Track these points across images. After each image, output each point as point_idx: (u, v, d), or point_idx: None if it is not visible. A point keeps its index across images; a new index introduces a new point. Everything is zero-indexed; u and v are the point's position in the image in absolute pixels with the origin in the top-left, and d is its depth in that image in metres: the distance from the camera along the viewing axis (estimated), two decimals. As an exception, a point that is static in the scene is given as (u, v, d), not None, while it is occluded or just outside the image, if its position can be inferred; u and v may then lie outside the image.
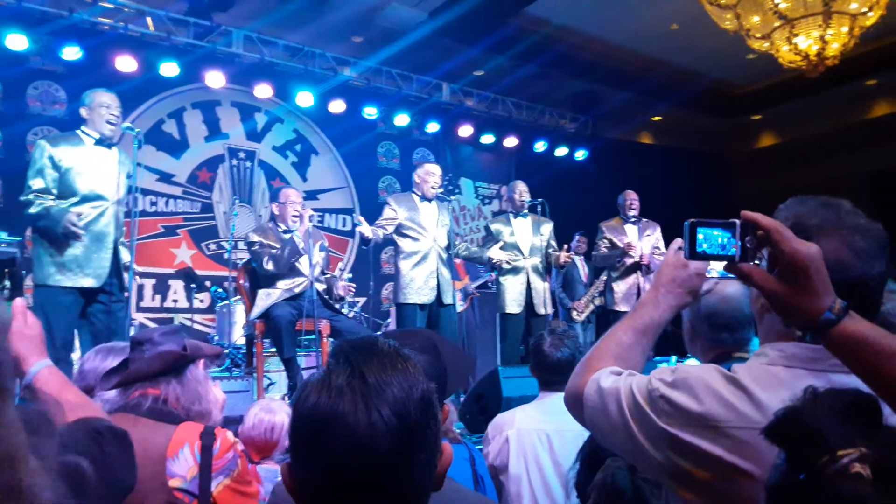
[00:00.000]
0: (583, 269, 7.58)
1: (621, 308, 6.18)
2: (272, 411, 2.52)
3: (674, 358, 3.96)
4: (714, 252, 0.98)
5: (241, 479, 1.57)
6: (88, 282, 3.84)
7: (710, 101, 10.00)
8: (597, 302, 7.28)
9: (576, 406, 1.27)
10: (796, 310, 0.93)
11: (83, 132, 4.01)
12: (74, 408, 1.30)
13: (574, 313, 7.26)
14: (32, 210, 3.79)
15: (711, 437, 1.01)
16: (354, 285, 5.00)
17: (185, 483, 1.49)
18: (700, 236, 0.99)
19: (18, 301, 1.39)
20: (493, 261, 5.44)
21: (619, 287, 6.27)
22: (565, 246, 5.89)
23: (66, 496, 1.07)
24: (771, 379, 1.03)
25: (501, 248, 5.59)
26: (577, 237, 7.60)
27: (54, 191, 3.84)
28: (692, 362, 3.27)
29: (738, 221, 0.97)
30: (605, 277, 6.98)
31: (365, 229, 4.76)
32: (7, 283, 1.41)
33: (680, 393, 1.06)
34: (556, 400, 1.32)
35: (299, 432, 0.86)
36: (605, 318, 6.59)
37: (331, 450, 0.81)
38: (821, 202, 1.08)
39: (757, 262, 0.98)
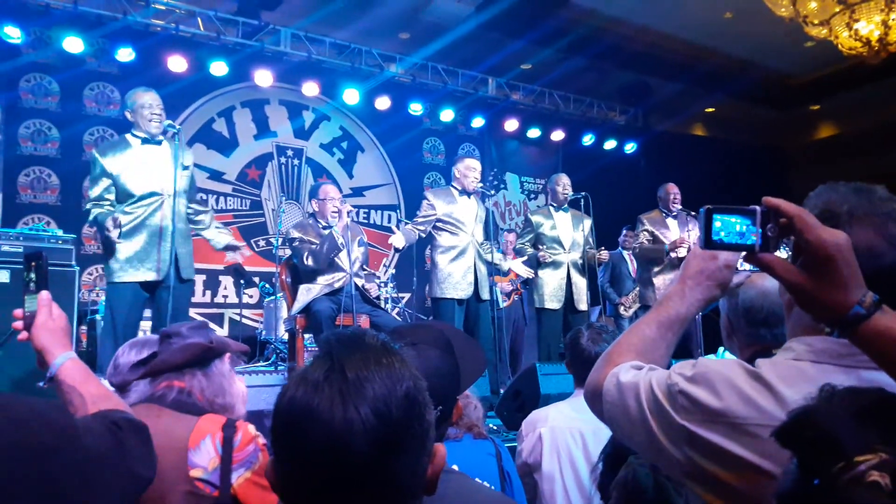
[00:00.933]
0: (631, 264, 7.44)
1: None
2: None
3: (721, 349, 3.82)
4: (732, 241, 0.90)
5: (263, 473, 1.57)
6: (149, 275, 3.98)
7: (766, 91, 9.69)
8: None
9: (595, 401, 1.22)
10: (823, 303, 0.86)
11: (132, 134, 4.14)
12: (97, 399, 1.32)
13: (622, 308, 7.13)
14: (90, 218, 4.03)
15: (731, 434, 0.95)
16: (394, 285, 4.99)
17: (207, 474, 1.50)
18: (717, 224, 0.91)
19: (44, 294, 1.42)
20: (539, 256, 5.45)
21: (660, 282, 6.08)
22: (602, 248, 5.80)
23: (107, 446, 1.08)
24: (796, 374, 0.96)
25: (540, 242, 5.57)
26: (624, 231, 7.47)
27: (110, 196, 4.01)
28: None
29: (758, 208, 0.90)
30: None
31: (397, 240, 4.83)
32: (33, 276, 1.43)
33: (699, 388, 1.00)
34: (593, 396, 1.27)
35: (276, 426, 0.83)
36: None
37: (306, 446, 0.78)
38: (853, 188, 1.01)
39: (780, 252, 0.91)
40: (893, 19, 6.19)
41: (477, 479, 1.55)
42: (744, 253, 0.92)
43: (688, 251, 5.89)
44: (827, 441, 0.63)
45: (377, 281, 5.09)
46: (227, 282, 7.71)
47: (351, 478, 0.78)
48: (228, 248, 4.53)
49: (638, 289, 6.79)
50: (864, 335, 0.84)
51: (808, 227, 0.86)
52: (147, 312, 4.34)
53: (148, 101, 4.10)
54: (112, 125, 7.13)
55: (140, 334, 4.10)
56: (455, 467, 1.71)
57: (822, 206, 0.95)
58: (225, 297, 7.74)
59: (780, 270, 0.89)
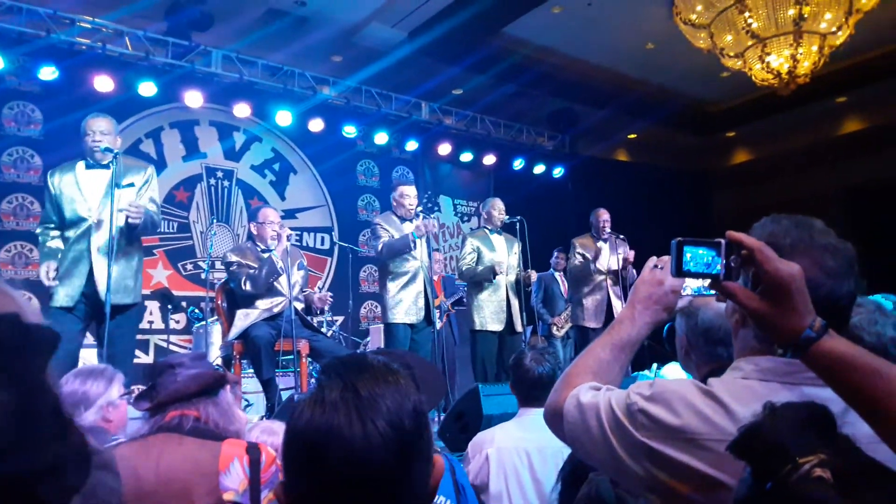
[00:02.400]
0: (563, 285, 7.63)
1: (590, 324, 6.22)
2: (274, 433, 2.51)
3: (654, 366, 3.99)
4: (699, 270, 1.00)
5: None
6: (66, 301, 3.89)
7: (686, 118, 10.16)
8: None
9: (555, 421, 1.28)
10: (778, 327, 0.96)
11: (82, 158, 4.09)
12: None
13: (554, 329, 7.28)
14: (40, 241, 4.12)
15: (689, 449, 1.03)
16: (331, 294, 4.98)
17: (238, 496, 1.55)
18: (687, 255, 1.01)
19: None
20: (493, 267, 5.55)
21: (589, 303, 6.32)
22: (530, 269, 5.96)
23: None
24: (746, 392, 1.05)
25: (480, 264, 5.67)
26: (556, 253, 7.65)
27: (55, 217, 4.03)
28: (670, 369, 3.29)
29: (722, 241, 0.99)
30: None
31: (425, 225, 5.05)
32: None
33: (658, 406, 1.08)
34: (536, 416, 1.33)
35: (294, 449, 0.86)
36: (577, 334, 6.63)
37: (327, 464, 0.82)
38: (794, 222, 1.10)
39: (740, 280, 1.00)
40: (801, 53, 6.61)
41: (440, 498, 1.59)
42: (708, 281, 1.02)
43: (619, 260, 6.14)
44: (774, 449, 0.73)
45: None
46: (152, 306, 7.48)
47: (371, 487, 0.83)
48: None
49: (569, 309, 6.98)
50: (814, 356, 0.94)
51: (766, 259, 0.95)
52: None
53: (92, 127, 4.03)
54: (31, 145, 6.87)
55: (81, 363, 3.96)
56: None
57: (766, 238, 1.04)
58: (150, 322, 7.50)
59: (742, 297, 0.98)
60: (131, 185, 4.09)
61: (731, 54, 6.90)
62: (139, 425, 1.70)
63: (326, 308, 5.02)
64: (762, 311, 0.96)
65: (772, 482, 0.71)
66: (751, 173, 11.08)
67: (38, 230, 4.12)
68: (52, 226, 4.04)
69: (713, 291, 1.15)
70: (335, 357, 0.94)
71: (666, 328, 1.90)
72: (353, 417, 0.83)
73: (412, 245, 5.01)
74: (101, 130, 4.04)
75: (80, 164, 4.08)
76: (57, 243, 4.03)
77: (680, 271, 1.01)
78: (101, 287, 3.88)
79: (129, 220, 3.96)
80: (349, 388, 0.85)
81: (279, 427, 2.54)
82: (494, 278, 5.59)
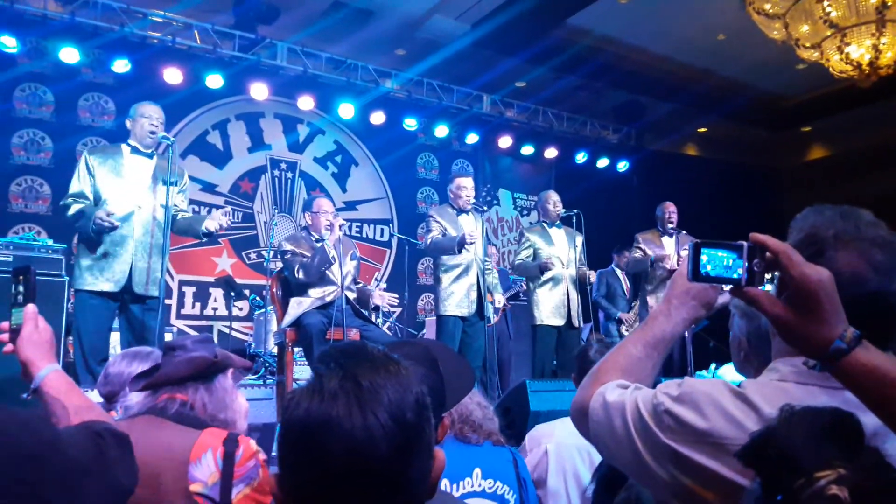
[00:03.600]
0: (625, 283, 7.47)
1: None
2: None
3: (713, 366, 3.85)
4: (718, 274, 0.93)
5: (262, 490, 1.57)
6: (107, 286, 3.91)
7: (758, 112, 9.77)
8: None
9: (581, 420, 1.22)
10: (805, 338, 0.88)
11: (127, 143, 4.15)
12: (80, 411, 1.33)
13: (623, 327, 7.15)
14: (70, 213, 3.96)
15: (716, 454, 0.96)
16: (396, 296, 4.99)
17: (206, 489, 1.50)
18: (704, 258, 0.93)
19: (30, 307, 1.45)
20: (544, 263, 5.46)
21: (652, 301, 6.14)
22: (589, 271, 5.84)
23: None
24: (781, 395, 0.97)
25: (538, 259, 5.59)
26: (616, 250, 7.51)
27: (90, 196, 3.98)
28: (728, 370, 3.15)
29: (745, 244, 0.92)
30: None
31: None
32: (21, 289, 1.45)
33: (685, 408, 1.01)
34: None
35: (290, 439, 0.83)
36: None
37: (325, 456, 0.79)
38: (839, 212, 1.02)
39: (765, 286, 0.93)
40: (884, 43, 6.26)
41: (468, 502, 1.56)
42: (730, 287, 0.94)
43: (678, 264, 5.97)
44: (787, 459, 0.66)
45: (380, 287, 5.08)
46: (216, 294, 7.68)
47: (371, 481, 0.80)
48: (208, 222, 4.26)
49: (637, 306, 6.83)
50: (845, 369, 0.86)
51: (792, 263, 0.87)
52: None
53: (149, 113, 4.12)
54: (106, 136, 7.12)
55: (111, 349, 4.08)
56: (479, 470, 1.76)
57: (808, 230, 0.96)
58: (215, 309, 7.70)
59: (765, 304, 0.91)
60: (174, 183, 4.14)
61: (808, 45, 6.58)
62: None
63: (389, 309, 5.03)
64: (788, 320, 0.88)
65: (782, 496, 0.64)
66: (827, 170, 10.60)
67: (68, 201, 3.99)
68: (87, 201, 3.94)
69: None
70: (333, 345, 0.91)
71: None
72: (353, 408, 0.80)
73: (457, 249, 4.90)
74: (159, 118, 4.14)
75: (126, 149, 4.12)
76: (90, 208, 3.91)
77: (697, 275, 0.93)
78: (137, 276, 3.94)
79: (215, 232, 4.08)
80: (349, 377, 0.82)
81: None
82: (542, 274, 5.48)
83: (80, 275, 3.92)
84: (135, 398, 1.87)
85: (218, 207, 7.81)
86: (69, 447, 1.05)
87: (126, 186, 4.03)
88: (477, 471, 1.92)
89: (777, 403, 0.94)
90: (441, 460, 0.91)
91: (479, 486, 1.90)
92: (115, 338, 4.61)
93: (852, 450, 0.66)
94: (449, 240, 5.03)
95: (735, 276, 0.92)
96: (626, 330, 7.15)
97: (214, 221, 4.13)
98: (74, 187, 4.00)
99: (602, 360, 1.28)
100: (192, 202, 7.47)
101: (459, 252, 5.02)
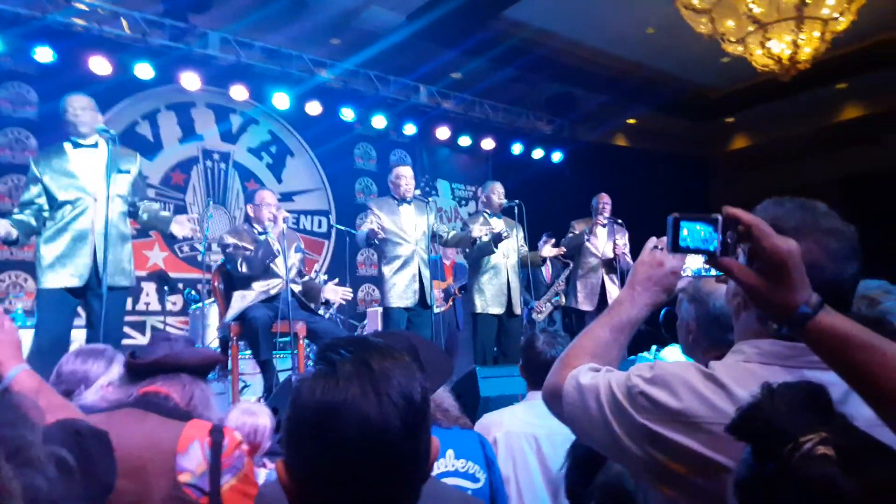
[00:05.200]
0: (546, 271, 7.63)
1: (583, 307, 6.25)
2: (254, 413, 2.50)
3: (653, 348, 3.98)
4: (696, 246, 1.00)
5: (247, 480, 1.58)
6: (72, 281, 3.89)
7: (685, 104, 10.11)
8: (555, 302, 7.35)
9: (554, 402, 1.28)
10: (774, 304, 0.95)
11: (68, 139, 4.07)
12: (53, 409, 1.31)
13: (534, 313, 7.29)
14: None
15: (690, 432, 1.02)
16: (350, 290, 4.95)
17: (195, 478, 1.51)
18: (684, 231, 1.00)
19: None
20: (477, 236, 5.46)
21: (581, 286, 6.35)
22: (550, 241, 5.94)
23: (55, 482, 1.07)
24: (747, 375, 1.04)
25: (479, 244, 5.60)
26: (543, 237, 7.63)
27: (39, 201, 3.97)
28: (670, 352, 3.29)
29: (719, 217, 0.99)
30: (562, 280, 7.14)
31: (372, 225, 4.97)
32: None
33: (658, 389, 1.07)
34: (546, 401, 1.34)
35: (305, 424, 0.87)
36: (568, 317, 6.65)
37: (342, 437, 0.83)
38: (797, 204, 1.10)
39: (736, 257, 1.00)
40: (802, 39, 6.57)
41: (443, 481, 1.61)
42: (705, 257, 1.02)
43: (605, 257, 6.13)
44: (774, 429, 0.73)
45: (320, 279, 5.03)
46: (149, 288, 7.46)
47: (385, 460, 0.85)
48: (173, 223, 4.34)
49: (551, 293, 7.02)
50: (810, 332, 0.93)
51: (763, 234, 0.94)
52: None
53: (70, 103, 4.03)
54: (28, 126, 6.82)
55: (73, 345, 3.96)
56: (451, 451, 1.83)
57: (769, 221, 1.03)
58: (147, 304, 7.49)
59: (738, 273, 0.98)
60: (127, 171, 4.09)
61: (732, 39, 6.85)
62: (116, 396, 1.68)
63: (342, 303, 5.01)
64: (758, 287, 0.96)
65: (773, 462, 0.71)
66: (750, 159, 11.07)
67: (14, 211, 4.04)
68: (36, 207, 3.98)
69: (713, 272, 1.15)
70: (335, 337, 0.95)
71: (663, 312, 1.89)
72: (367, 389, 0.84)
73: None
74: (80, 106, 4.04)
75: (68, 145, 4.07)
76: (24, 218, 3.95)
77: (676, 247, 1.00)
78: (104, 267, 3.88)
79: (184, 237, 4.14)
80: (362, 362, 0.87)
81: (258, 408, 2.55)
82: (496, 247, 5.49)
83: (42, 272, 3.91)
84: (93, 395, 1.83)
85: (149, 200, 7.62)
86: (49, 445, 1.04)
87: (75, 181, 3.98)
88: (450, 452, 1.99)
89: (744, 383, 1.02)
90: (436, 444, 0.95)
91: (453, 465, 1.97)
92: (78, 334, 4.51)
93: (827, 416, 0.74)
94: (360, 234, 5.08)
95: (711, 248, 0.99)
96: (537, 316, 7.31)
97: (184, 228, 4.15)
98: (23, 196, 4.03)
99: (571, 345, 1.34)
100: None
101: (369, 246, 5.08)
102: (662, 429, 1.04)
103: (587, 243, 6.29)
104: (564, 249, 6.22)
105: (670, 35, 7.81)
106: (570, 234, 6.48)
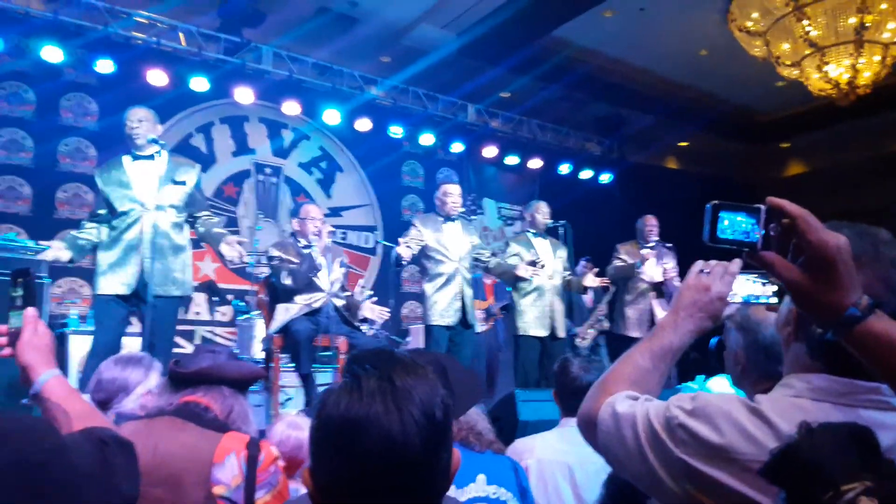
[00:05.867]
0: (588, 294, 7.51)
1: (632, 333, 6.10)
2: (299, 427, 2.49)
3: (701, 378, 3.85)
4: (736, 238, 0.93)
5: (280, 498, 1.57)
6: (121, 289, 4.02)
7: (738, 127, 9.93)
8: (598, 327, 7.24)
9: (589, 430, 1.23)
10: (820, 303, 0.88)
11: (127, 151, 4.23)
12: (81, 416, 1.31)
13: (578, 339, 7.18)
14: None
15: (731, 469, 0.97)
16: (388, 310, 4.96)
17: (229, 491, 1.51)
18: (724, 222, 0.93)
19: (30, 311, 1.41)
20: (520, 275, 5.35)
21: (631, 312, 6.20)
22: (591, 268, 5.85)
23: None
24: (796, 412, 0.98)
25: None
26: (582, 262, 7.52)
27: (102, 212, 4.15)
28: (717, 383, 3.18)
29: (763, 207, 0.92)
30: (605, 305, 7.02)
31: (402, 250, 4.88)
32: (20, 293, 1.42)
33: (699, 422, 1.02)
34: (581, 428, 1.30)
35: (328, 435, 0.90)
36: (615, 344, 6.51)
37: (363, 450, 0.86)
38: (857, 231, 1.02)
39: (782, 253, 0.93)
40: (862, 63, 6.39)
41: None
42: (745, 250, 0.94)
43: (654, 282, 6.01)
44: (812, 473, 0.68)
45: (364, 295, 5.03)
46: (199, 298, 7.60)
47: (404, 473, 0.88)
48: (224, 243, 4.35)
49: (591, 320, 6.92)
50: (858, 337, 0.86)
51: (810, 228, 0.88)
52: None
53: (129, 116, 4.17)
54: (88, 137, 7.04)
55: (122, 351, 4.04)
56: (483, 476, 1.80)
57: None
58: (197, 313, 7.63)
59: (780, 269, 0.91)
60: (183, 182, 4.17)
61: (788, 63, 6.71)
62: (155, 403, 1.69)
63: (380, 322, 5.02)
64: (803, 285, 0.88)
65: None
66: (805, 186, 10.78)
67: (84, 222, 4.26)
68: (97, 219, 4.17)
69: (762, 300, 1.08)
70: (361, 350, 0.95)
71: (715, 341, 1.81)
72: (390, 406, 0.87)
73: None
74: (138, 118, 4.16)
75: (127, 158, 4.21)
76: (86, 235, 4.15)
77: (714, 237, 0.94)
78: (152, 277, 3.97)
79: (229, 260, 4.20)
80: (385, 378, 0.90)
81: (304, 422, 2.54)
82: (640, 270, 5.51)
83: (97, 279, 4.09)
84: (132, 402, 1.85)
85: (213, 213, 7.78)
86: (73, 454, 1.05)
87: (130, 192, 4.12)
88: (481, 476, 1.94)
89: (792, 420, 0.96)
90: (457, 456, 0.97)
91: (484, 491, 1.91)
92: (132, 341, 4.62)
93: (874, 462, 0.68)
94: (393, 253, 5.03)
95: (752, 240, 0.92)
96: (580, 342, 7.18)
97: (232, 250, 4.20)
98: (95, 209, 4.24)
99: (609, 371, 1.29)
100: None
101: (398, 266, 5.18)
102: (701, 464, 0.99)
103: (637, 270, 6.15)
104: (608, 280, 6.09)
105: (724, 57, 7.70)
106: (617, 261, 6.33)
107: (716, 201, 0.94)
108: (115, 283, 4.03)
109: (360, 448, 0.86)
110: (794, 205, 0.91)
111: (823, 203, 10.27)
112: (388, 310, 4.92)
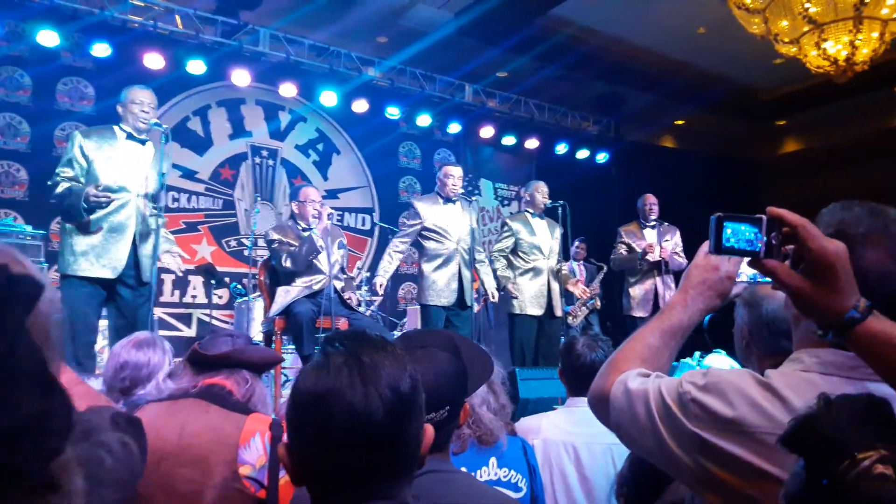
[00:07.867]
0: (581, 275, 7.55)
1: (637, 313, 6.13)
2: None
3: (697, 354, 3.89)
4: (741, 247, 0.97)
5: None
6: (105, 272, 3.84)
7: (735, 105, 9.89)
8: (590, 306, 7.29)
9: (601, 407, 1.25)
10: (820, 307, 0.92)
11: (119, 127, 4.08)
12: (84, 397, 1.32)
13: (570, 318, 7.23)
14: (58, 190, 3.83)
15: (743, 441, 0.99)
16: (377, 298, 4.99)
17: (254, 471, 1.54)
18: (728, 231, 0.98)
19: None
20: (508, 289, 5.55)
21: (636, 292, 6.23)
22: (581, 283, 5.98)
23: (120, 463, 1.10)
24: (806, 385, 1.01)
25: (519, 248, 5.65)
26: (576, 243, 7.54)
27: (82, 180, 3.87)
28: (713, 359, 3.21)
29: (764, 217, 0.96)
30: (597, 283, 7.07)
31: (380, 280, 5.03)
32: None
33: (712, 397, 1.04)
34: (586, 408, 1.31)
35: (299, 409, 0.95)
36: (621, 323, 6.54)
37: (330, 421, 0.90)
38: (867, 209, 1.05)
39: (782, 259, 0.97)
40: (860, 40, 6.37)
41: (482, 482, 1.59)
42: (748, 259, 0.99)
43: (661, 256, 6.06)
44: (831, 443, 0.70)
45: (354, 284, 5.06)
46: (196, 281, 7.62)
47: (370, 446, 0.92)
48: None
49: (582, 300, 6.98)
50: (858, 338, 0.90)
51: (810, 236, 0.91)
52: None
53: (140, 98, 4.06)
54: (85, 121, 6.99)
55: (99, 336, 4.03)
56: (494, 459, 1.81)
57: (836, 226, 1.00)
58: (194, 296, 7.65)
59: (782, 275, 0.95)
60: (165, 174, 4.15)
61: (786, 40, 6.67)
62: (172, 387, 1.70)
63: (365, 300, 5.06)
64: (804, 290, 0.93)
65: (827, 479, 0.68)
66: (801, 163, 10.77)
67: (56, 180, 3.87)
68: (78, 185, 3.83)
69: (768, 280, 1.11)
70: (336, 330, 0.98)
71: (707, 319, 1.83)
72: (355, 380, 0.91)
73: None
74: (149, 103, 4.08)
75: (121, 134, 4.05)
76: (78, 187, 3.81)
77: (720, 248, 0.98)
78: (139, 262, 3.95)
79: (170, 267, 4.10)
80: (352, 355, 0.94)
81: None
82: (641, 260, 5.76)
83: (75, 260, 3.79)
84: (153, 386, 1.86)
85: (198, 195, 7.78)
86: (89, 432, 1.07)
87: (122, 172, 3.96)
88: (493, 460, 1.95)
89: (803, 394, 0.99)
90: (430, 434, 1.01)
91: (495, 474, 1.93)
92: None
93: (889, 432, 0.70)
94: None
95: (755, 248, 0.96)
96: (572, 321, 7.24)
97: (175, 262, 4.14)
98: (66, 172, 3.88)
99: (619, 349, 1.31)
100: (172, 189, 7.43)
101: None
102: (714, 437, 1.01)
103: (639, 260, 6.20)
104: (592, 293, 6.22)
105: (721, 35, 7.65)
106: (621, 247, 6.35)
107: (719, 213, 0.99)
108: (97, 265, 3.81)
109: (327, 419, 0.90)
110: (793, 214, 0.94)
111: (819, 180, 10.34)
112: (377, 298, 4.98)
